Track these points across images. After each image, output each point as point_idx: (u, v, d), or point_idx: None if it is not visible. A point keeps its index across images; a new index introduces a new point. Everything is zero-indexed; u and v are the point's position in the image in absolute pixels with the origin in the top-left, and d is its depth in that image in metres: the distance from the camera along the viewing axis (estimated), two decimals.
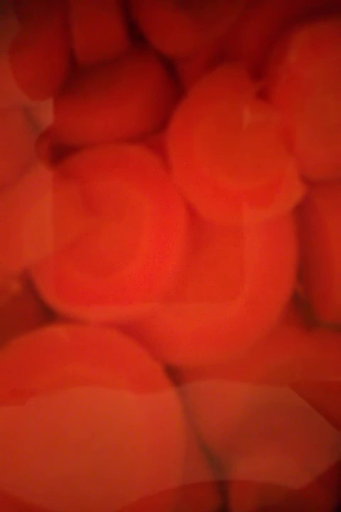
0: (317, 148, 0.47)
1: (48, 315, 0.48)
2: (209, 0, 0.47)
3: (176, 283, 0.48)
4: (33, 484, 0.47)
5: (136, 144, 0.48)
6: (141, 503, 0.47)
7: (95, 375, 0.47)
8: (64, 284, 0.47)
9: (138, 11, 0.48)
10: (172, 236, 0.47)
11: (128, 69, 0.49)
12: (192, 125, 0.47)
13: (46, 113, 0.48)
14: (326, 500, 0.49)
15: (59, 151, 0.48)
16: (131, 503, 0.47)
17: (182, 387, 0.49)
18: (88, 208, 0.48)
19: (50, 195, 0.47)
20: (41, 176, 0.48)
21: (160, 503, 0.47)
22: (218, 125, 0.47)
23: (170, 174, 0.47)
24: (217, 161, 0.47)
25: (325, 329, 0.51)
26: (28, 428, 0.47)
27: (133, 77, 0.49)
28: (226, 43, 0.49)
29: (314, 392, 0.50)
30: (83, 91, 0.49)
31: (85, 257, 0.48)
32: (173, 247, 0.47)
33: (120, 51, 0.48)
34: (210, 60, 0.49)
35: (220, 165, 0.47)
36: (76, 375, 0.47)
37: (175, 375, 0.48)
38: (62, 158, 0.48)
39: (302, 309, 0.51)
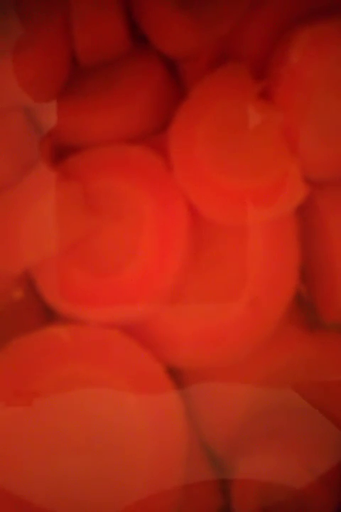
0: (320, 149, 0.47)
1: (49, 316, 0.48)
2: (211, 0, 0.47)
3: (178, 284, 0.48)
4: (34, 485, 0.47)
5: (137, 144, 0.48)
6: (143, 503, 0.47)
7: (97, 375, 0.47)
8: (65, 285, 0.47)
9: (140, 11, 0.48)
10: (174, 236, 0.47)
11: (130, 69, 0.49)
12: (194, 125, 0.47)
13: (47, 113, 0.48)
14: (328, 500, 0.49)
15: (60, 151, 0.48)
16: (133, 503, 0.47)
17: (184, 389, 0.49)
18: (89, 208, 0.47)
19: (51, 196, 0.47)
20: (42, 176, 0.48)
21: (162, 504, 0.47)
22: (220, 125, 0.47)
23: (172, 174, 0.47)
24: (219, 161, 0.47)
25: (327, 330, 0.51)
26: (29, 429, 0.47)
27: (134, 77, 0.49)
28: (228, 43, 0.48)
29: (316, 392, 0.50)
30: (84, 91, 0.49)
31: (87, 257, 0.48)
32: (175, 248, 0.47)
33: (121, 51, 0.48)
34: (212, 61, 0.49)
35: (222, 165, 0.47)
36: (77, 375, 0.47)
37: (177, 376, 0.48)
38: (63, 158, 0.48)
39: (305, 310, 0.51)
